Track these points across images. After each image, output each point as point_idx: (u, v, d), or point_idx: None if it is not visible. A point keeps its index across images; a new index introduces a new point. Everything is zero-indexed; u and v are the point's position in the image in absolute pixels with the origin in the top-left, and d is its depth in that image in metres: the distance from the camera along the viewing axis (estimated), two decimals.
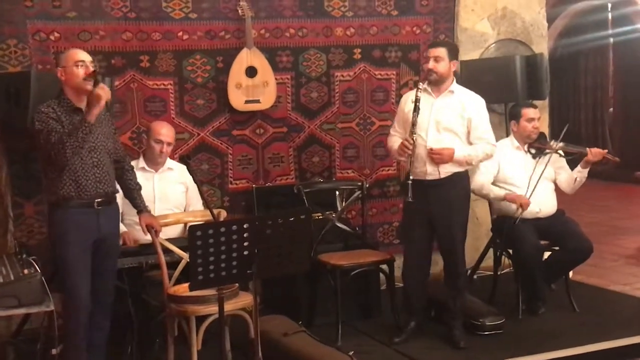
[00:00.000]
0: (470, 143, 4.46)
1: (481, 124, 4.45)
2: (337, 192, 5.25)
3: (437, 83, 4.41)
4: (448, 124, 4.38)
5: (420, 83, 4.40)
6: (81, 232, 3.72)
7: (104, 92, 3.64)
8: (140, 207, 4.01)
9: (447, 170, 4.38)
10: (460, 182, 4.47)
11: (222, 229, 3.13)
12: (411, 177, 4.31)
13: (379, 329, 4.69)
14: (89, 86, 3.66)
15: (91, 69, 3.71)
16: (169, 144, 4.60)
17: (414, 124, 4.31)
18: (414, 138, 4.31)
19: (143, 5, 5.03)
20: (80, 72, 3.69)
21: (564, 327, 4.71)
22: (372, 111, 5.77)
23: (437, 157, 4.34)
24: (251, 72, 5.21)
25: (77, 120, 3.66)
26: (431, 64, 4.38)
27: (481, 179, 4.91)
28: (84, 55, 3.75)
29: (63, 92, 3.75)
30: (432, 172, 4.38)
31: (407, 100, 4.53)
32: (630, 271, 6.34)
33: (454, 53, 4.46)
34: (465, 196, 4.55)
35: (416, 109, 4.30)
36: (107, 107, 3.74)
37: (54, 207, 3.77)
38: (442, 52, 4.39)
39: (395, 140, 4.55)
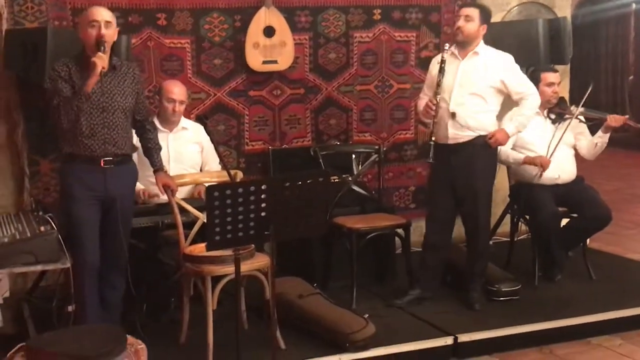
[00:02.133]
0: (514, 103, 4.45)
1: (516, 81, 4.39)
2: (354, 156, 5.21)
3: (463, 45, 4.34)
4: (472, 87, 4.32)
5: (447, 44, 4.33)
6: (85, 188, 3.70)
7: (100, 60, 3.54)
8: (157, 165, 3.98)
9: (468, 134, 4.33)
10: (484, 148, 4.39)
11: (240, 190, 3.10)
12: (433, 139, 4.29)
13: (394, 293, 4.67)
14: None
15: (104, 31, 3.61)
16: (181, 102, 4.55)
17: (438, 85, 4.27)
18: (437, 99, 4.26)
19: None
20: (93, 33, 3.61)
21: (580, 295, 4.69)
22: (390, 74, 5.70)
23: (493, 141, 4.34)
24: (269, 32, 5.14)
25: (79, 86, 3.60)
26: (461, 22, 4.30)
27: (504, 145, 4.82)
28: (100, 15, 3.65)
29: (84, 50, 3.69)
30: (453, 136, 4.34)
31: (435, 63, 4.47)
32: None
33: (485, 16, 4.37)
34: (489, 161, 4.48)
35: (441, 70, 4.26)
36: (101, 76, 3.58)
37: (63, 162, 3.78)
38: (474, 12, 4.32)
39: (421, 103, 4.52)
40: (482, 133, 4.36)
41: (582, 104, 4.87)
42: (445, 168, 4.36)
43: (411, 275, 4.72)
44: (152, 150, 3.99)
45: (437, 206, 4.53)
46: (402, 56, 5.71)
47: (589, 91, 4.88)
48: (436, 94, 4.29)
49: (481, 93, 4.35)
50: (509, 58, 4.43)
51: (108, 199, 3.76)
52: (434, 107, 4.27)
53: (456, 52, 4.37)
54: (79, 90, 3.58)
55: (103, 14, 3.67)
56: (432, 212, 4.59)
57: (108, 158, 3.72)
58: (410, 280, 4.69)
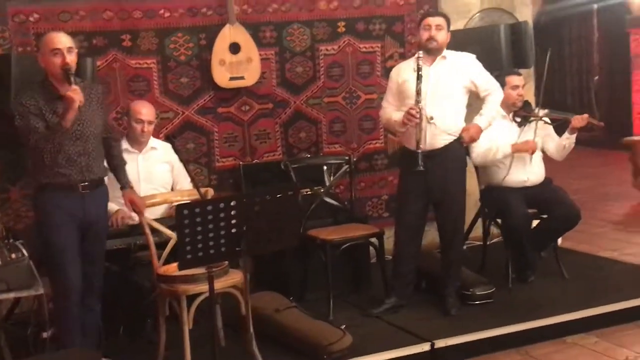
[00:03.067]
0: (481, 99, 4.53)
1: (483, 78, 4.50)
2: (325, 167, 5.24)
3: (435, 52, 4.39)
4: (445, 91, 4.39)
5: (420, 51, 4.36)
6: (66, 214, 3.69)
7: (76, 95, 3.51)
8: (122, 182, 3.97)
9: (444, 139, 4.39)
10: (456, 152, 4.47)
11: (210, 207, 3.11)
12: (421, 146, 4.30)
13: (370, 302, 4.69)
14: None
15: (68, 58, 3.59)
16: (149, 122, 4.55)
17: (418, 93, 4.29)
18: (420, 106, 4.29)
19: None
20: (57, 61, 3.59)
21: (553, 295, 4.73)
22: (357, 85, 5.74)
23: (467, 136, 4.40)
24: (234, 48, 5.17)
25: (54, 122, 3.58)
26: (433, 32, 4.37)
27: (482, 148, 4.86)
28: (60, 42, 3.61)
29: (47, 77, 3.67)
30: (431, 142, 4.37)
31: (400, 71, 4.51)
32: (618, 237, 6.39)
33: (449, 24, 4.48)
34: (461, 166, 4.56)
35: (419, 77, 4.28)
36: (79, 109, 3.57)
37: (39, 191, 3.74)
38: (442, 21, 4.41)
39: (390, 112, 4.52)
40: (456, 137, 4.44)
41: (546, 70, 4.91)
42: (419, 174, 4.38)
43: (386, 284, 4.74)
44: (118, 167, 3.98)
45: (409, 213, 4.55)
46: (368, 67, 5.77)
47: (548, 56, 4.94)
48: (417, 101, 4.29)
49: (454, 96, 4.42)
50: (472, 57, 4.53)
51: (85, 222, 3.76)
52: (417, 115, 4.27)
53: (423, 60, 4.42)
54: (56, 126, 3.56)
55: (64, 41, 3.63)
56: (403, 220, 4.60)
57: (85, 183, 3.72)
58: (386, 289, 4.71)
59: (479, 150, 4.84)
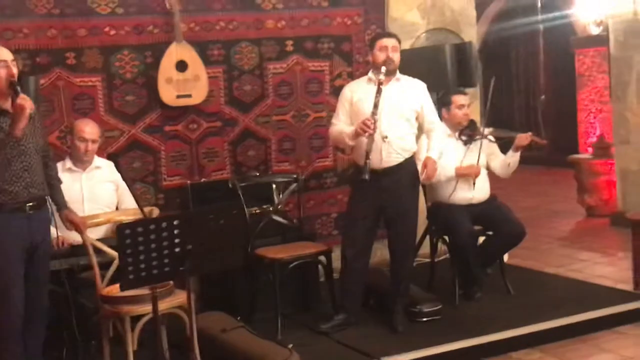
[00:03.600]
0: (420, 129, 4.60)
1: (430, 109, 4.60)
2: (274, 186, 5.23)
3: (391, 73, 4.44)
4: (400, 111, 4.45)
5: (384, 67, 4.37)
6: (13, 238, 3.62)
7: (27, 102, 3.49)
8: (60, 203, 3.91)
9: (398, 157, 4.44)
10: (409, 168, 4.53)
11: (152, 226, 3.09)
12: (370, 157, 4.31)
13: (319, 321, 4.68)
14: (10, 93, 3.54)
15: (13, 70, 3.57)
16: (93, 141, 4.50)
17: (376, 105, 4.30)
18: (375, 119, 4.30)
19: (67, 1, 4.92)
20: (2, 73, 3.55)
21: (499, 311, 4.79)
22: (306, 103, 5.76)
23: (431, 172, 4.49)
24: (182, 66, 5.14)
25: (2, 134, 3.54)
26: (390, 53, 4.42)
27: None
28: (4, 55, 3.60)
29: None
30: (387, 159, 4.41)
31: (353, 90, 4.54)
32: (564, 253, 6.49)
33: (400, 45, 4.55)
34: (415, 183, 4.62)
35: (379, 91, 4.32)
36: (31, 117, 3.58)
37: None
38: (397, 43, 4.50)
39: (340, 128, 4.52)
40: (409, 155, 4.50)
41: (490, 97, 5.00)
42: (372, 191, 4.41)
43: (335, 301, 4.74)
44: (54, 188, 3.90)
45: (359, 229, 4.55)
46: (316, 85, 5.79)
47: (492, 85, 5.03)
48: (373, 113, 4.30)
49: (407, 116, 4.49)
50: (424, 85, 4.62)
51: (31, 245, 3.70)
52: (372, 125, 4.26)
53: (374, 78, 4.46)
54: (7, 138, 3.50)
55: (6, 54, 3.61)
56: (352, 236, 4.60)
57: (32, 203, 3.66)
58: (335, 307, 4.71)
59: None
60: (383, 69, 4.37)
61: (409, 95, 4.51)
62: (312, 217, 5.77)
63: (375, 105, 4.32)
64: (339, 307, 4.65)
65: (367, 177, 4.30)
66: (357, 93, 4.50)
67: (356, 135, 4.39)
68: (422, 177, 4.53)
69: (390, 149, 4.42)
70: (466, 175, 4.95)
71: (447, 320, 4.63)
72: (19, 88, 3.54)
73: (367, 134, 4.31)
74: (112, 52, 5.08)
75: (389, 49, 4.43)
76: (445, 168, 4.92)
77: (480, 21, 6.66)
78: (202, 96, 5.27)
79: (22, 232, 3.65)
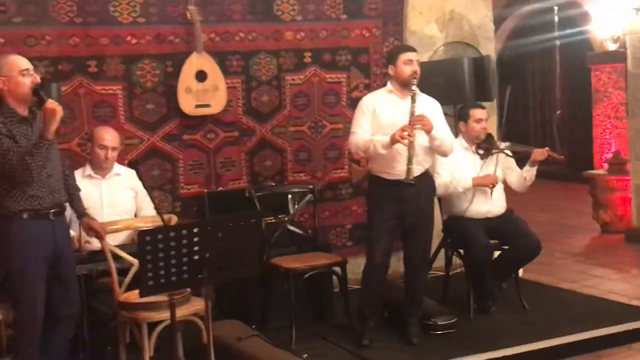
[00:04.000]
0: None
1: (445, 126, 4.58)
2: (290, 196, 5.25)
3: (411, 87, 4.40)
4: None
5: (414, 79, 4.37)
6: (39, 245, 3.66)
7: (56, 105, 3.55)
8: (80, 211, 3.96)
9: (418, 169, 4.42)
10: (427, 180, 4.56)
11: (172, 234, 3.12)
12: (414, 163, 4.30)
13: (333, 332, 4.70)
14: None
15: (37, 78, 3.64)
16: (113, 148, 4.55)
17: (412, 114, 4.30)
18: (414, 127, 4.28)
19: (90, 10, 4.99)
20: (27, 81, 3.60)
21: (514, 325, 4.78)
22: (323, 114, 5.79)
23: (422, 122, 4.34)
24: (201, 76, 5.19)
25: (34, 138, 3.59)
26: (415, 67, 4.42)
27: (444, 179, 4.92)
28: (26, 63, 3.65)
29: (4, 101, 3.62)
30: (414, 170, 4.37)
31: (375, 101, 4.50)
32: (579, 269, 6.46)
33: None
34: (432, 196, 4.67)
35: (414, 100, 4.33)
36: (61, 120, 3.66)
37: (7, 219, 3.63)
38: (418, 57, 4.52)
39: (367, 137, 4.43)
40: (428, 166, 4.56)
41: (506, 106, 5.00)
42: (395, 203, 4.42)
43: (349, 315, 4.74)
44: (73, 196, 3.95)
45: (381, 252, 4.51)
46: (333, 97, 5.82)
47: (508, 93, 5.03)
48: (412, 121, 4.28)
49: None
50: (439, 105, 4.64)
51: (57, 251, 3.73)
52: (412, 133, 4.24)
53: (395, 91, 4.48)
54: (37, 142, 3.56)
55: (27, 63, 3.66)
56: (375, 258, 4.52)
57: (55, 209, 3.70)
58: (349, 320, 4.71)
59: (441, 181, 4.90)
60: (414, 80, 4.38)
61: (430, 109, 4.51)
62: (326, 227, 5.79)
63: (412, 114, 4.33)
64: (364, 319, 4.60)
65: (412, 180, 4.31)
66: (378, 103, 4.51)
67: (392, 142, 4.32)
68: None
69: (417, 160, 4.41)
70: (483, 184, 4.95)
71: (462, 333, 4.63)
72: (42, 93, 3.60)
73: (406, 141, 4.27)
74: (133, 61, 5.14)
75: (414, 62, 4.45)
76: (462, 180, 4.93)
77: (496, 37, 6.66)
78: (221, 106, 5.32)
79: (48, 239, 3.69)
